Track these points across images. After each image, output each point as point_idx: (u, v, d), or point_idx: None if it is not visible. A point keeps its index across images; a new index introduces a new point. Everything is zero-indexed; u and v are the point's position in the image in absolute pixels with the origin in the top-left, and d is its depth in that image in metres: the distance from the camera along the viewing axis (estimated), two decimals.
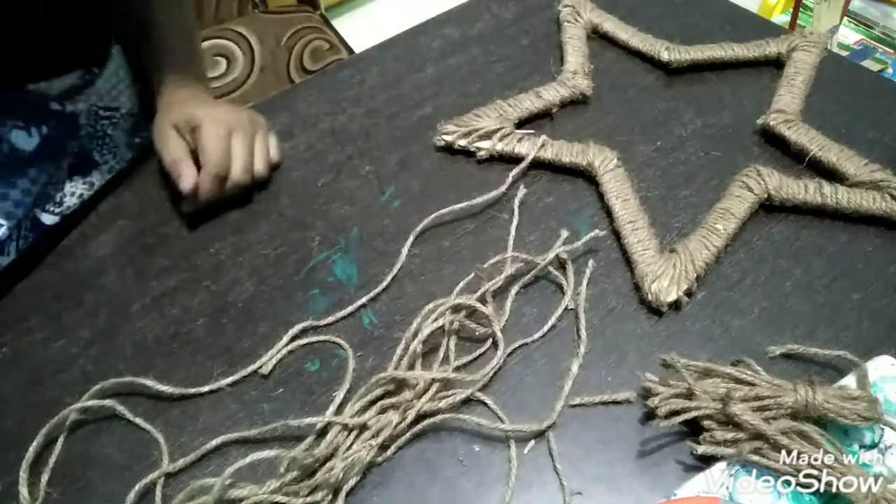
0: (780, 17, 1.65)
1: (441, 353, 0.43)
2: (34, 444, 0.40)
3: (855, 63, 0.66)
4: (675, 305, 0.45)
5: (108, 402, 0.41)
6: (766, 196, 0.50)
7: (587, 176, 0.54)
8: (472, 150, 0.56)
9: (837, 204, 0.49)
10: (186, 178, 0.51)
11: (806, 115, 0.58)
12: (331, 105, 0.62)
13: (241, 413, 0.42)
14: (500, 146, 0.55)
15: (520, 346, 0.44)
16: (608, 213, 0.51)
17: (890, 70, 1.54)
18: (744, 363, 0.40)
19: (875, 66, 1.53)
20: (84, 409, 0.41)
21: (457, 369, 0.42)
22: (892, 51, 1.59)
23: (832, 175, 0.52)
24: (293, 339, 0.45)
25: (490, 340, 0.44)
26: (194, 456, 0.39)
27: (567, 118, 0.60)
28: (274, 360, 0.43)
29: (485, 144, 0.56)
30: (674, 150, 0.56)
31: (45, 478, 0.39)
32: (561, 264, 0.48)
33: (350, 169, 0.56)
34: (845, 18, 1.61)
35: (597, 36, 0.68)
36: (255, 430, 0.40)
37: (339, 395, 0.41)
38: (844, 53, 1.55)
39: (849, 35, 1.64)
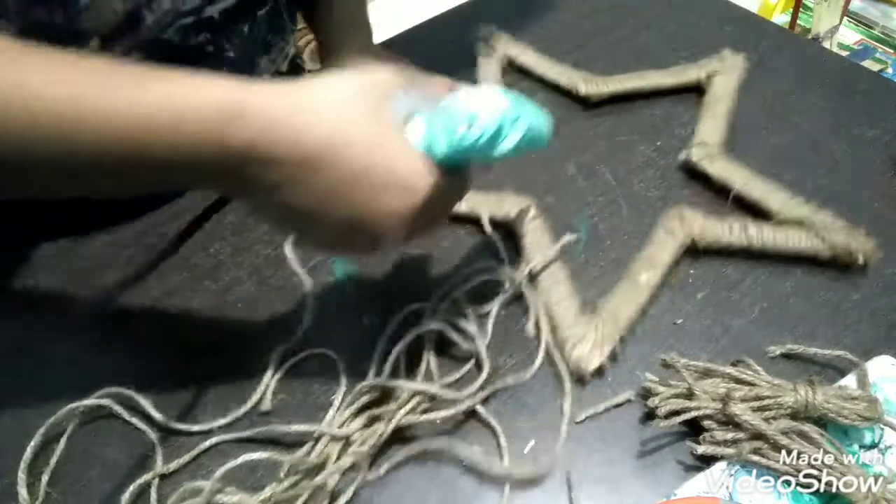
0: (781, 17, 1.64)
1: (423, 367, 0.41)
2: (32, 444, 0.40)
3: (855, 63, 0.66)
4: (599, 372, 0.42)
5: (104, 402, 0.41)
6: (689, 241, 0.47)
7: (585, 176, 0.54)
8: None
9: (763, 245, 0.47)
10: None
11: (806, 116, 0.58)
12: None
13: (240, 413, 0.42)
14: None
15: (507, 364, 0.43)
16: (530, 273, 0.46)
17: (890, 70, 1.54)
18: (744, 363, 0.40)
19: (875, 66, 1.53)
20: (84, 409, 0.41)
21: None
22: (892, 51, 1.59)
23: (758, 211, 0.49)
24: (281, 363, 0.44)
25: (473, 360, 0.42)
26: (189, 457, 0.39)
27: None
28: (270, 392, 0.42)
29: None
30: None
31: (45, 478, 0.39)
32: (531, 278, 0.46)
33: None
34: (845, 18, 1.61)
35: (513, 70, 0.64)
36: (248, 431, 0.40)
37: (337, 401, 0.41)
38: (844, 53, 1.55)
39: (849, 35, 1.63)
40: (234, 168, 0.30)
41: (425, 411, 0.39)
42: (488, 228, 0.49)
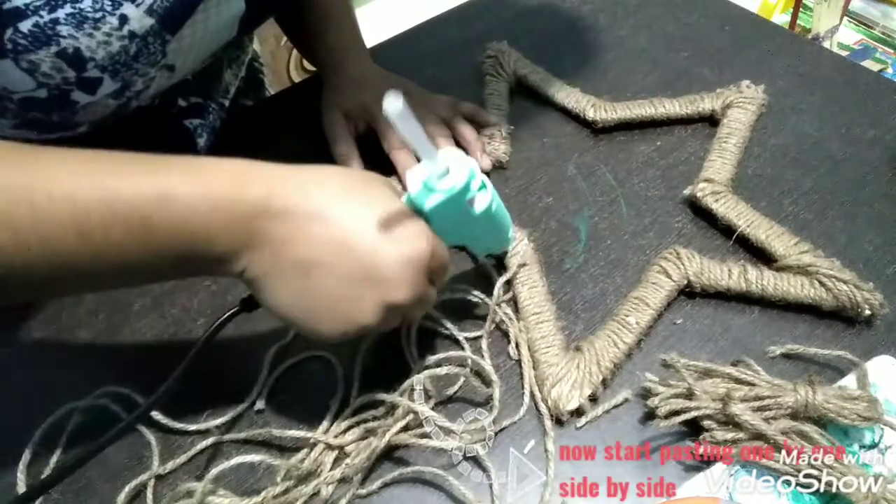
0: (781, 17, 1.65)
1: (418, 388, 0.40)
2: (31, 443, 0.40)
3: (855, 63, 0.66)
4: (578, 412, 0.41)
5: (103, 402, 0.41)
6: (685, 282, 0.45)
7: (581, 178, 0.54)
8: None
9: (763, 291, 0.44)
10: None
11: (806, 116, 0.58)
12: None
13: (237, 412, 0.42)
14: None
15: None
16: (515, 302, 0.46)
17: (890, 70, 1.54)
18: (744, 363, 0.40)
19: (875, 66, 1.53)
20: (82, 409, 0.41)
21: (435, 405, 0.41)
22: (892, 51, 1.59)
23: (761, 253, 0.47)
24: (279, 363, 0.44)
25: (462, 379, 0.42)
26: (185, 457, 0.39)
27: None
28: (266, 391, 0.42)
29: None
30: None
31: (45, 478, 0.39)
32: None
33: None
34: (845, 18, 1.61)
35: (521, 89, 0.63)
36: (245, 433, 0.40)
37: (334, 406, 0.41)
38: (844, 53, 1.55)
39: (849, 35, 1.64)
40: (248, 219, 0.32)
41: (423, 435, 0.39)
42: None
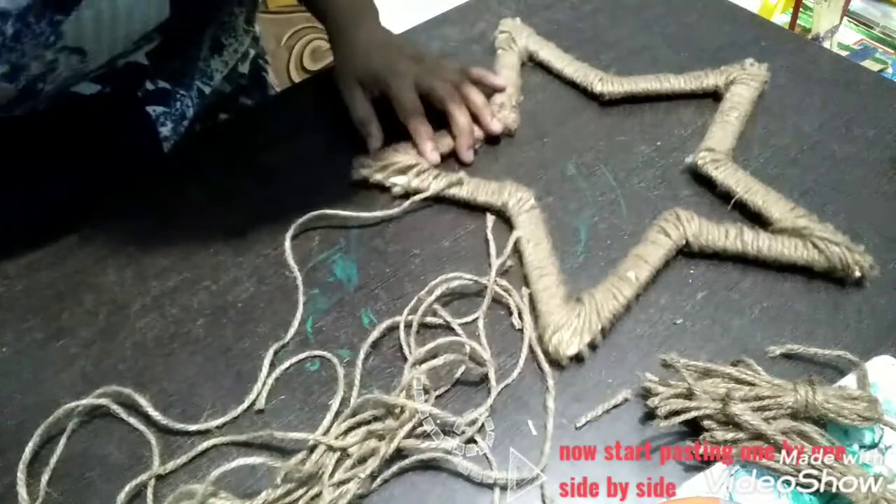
0: (781, 17, 1.65)
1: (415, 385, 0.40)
2: (31, 443, 0.40)
3: (855, 63, 0.66)
4: (578, 358, 0.43)
5: (102, 402, 0.41)
6: (684, 242, 0.47)
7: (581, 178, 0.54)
8: (387, 185, 0.54)
9: (758, 252, 0.46)
10: (375, 139, 0.55)
11: (806, 116, 0.58)
12: (331, 105, 0.62)
13: (238, 413, 0.42)
14: (415, 182, 0.53)
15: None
16: (519, 256, 0.48)
17: (890, 70, 1.54)
18: (744, 363, 0.40)
19: (875, 66, 1.53)
20: (82, 408, 0.41)
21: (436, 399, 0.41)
22: (892, 51, 1.59)
23: (758, 219, 0.50)
24: (280, 362, 0.44)
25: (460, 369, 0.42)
26: (185, 458, 0.39)
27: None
28: (266, 391, 0.42)
29: (400, 180, 0.53)
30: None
31: (44, 478, 0.39)
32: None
33: (350, 169, 0.56)
34: (845, 18, 1.61)
35: (532, 63, 0.65)
36: (244, 435, 0.40)
37: (334, 406, 0.41)
38: (844, 53, 1.55)
39: (849, 35, 1.64)
40: None
41: (423, 434, 0.39)
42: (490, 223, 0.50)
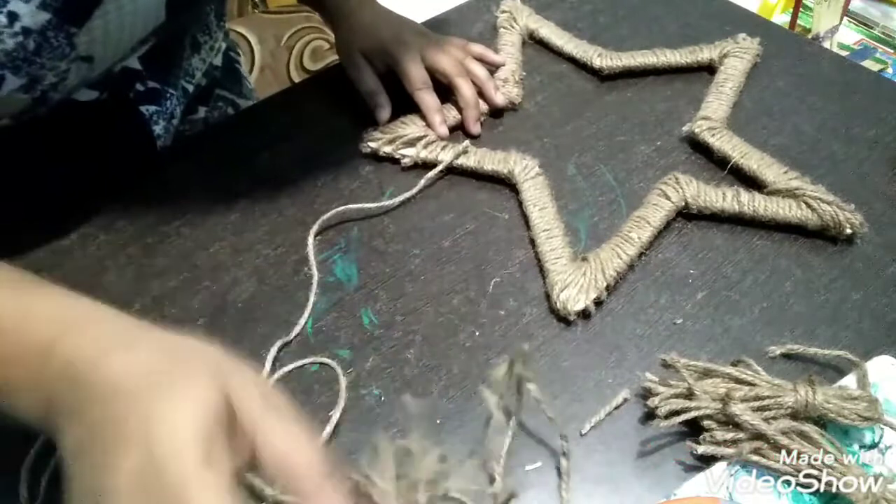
0: (781, 17, 1.64)
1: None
2: (36, 444, 0.39)
3: (855, 63, 0.66)
4: (584, 314, 0.45)
5: None
6: (683, 204, 0.50)
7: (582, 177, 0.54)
8: (396, 157, 0.55)
9: (754, 212, 0.49)
10: (384, 110, 0.57)
11: (806, 116, 0.58)
12: (331, 105, 0.62)
13: None
14: (424, 153, 0.55)
15: None
16: (526, 221, 0.51)
17: (890, 70, 1.54)
18: (744, 363, 0.40)
19: (875, 66, 1.53)
20: None
21: None
22: (892, 51, 1.59)
23: (753, 183, 0.52)
24: (276, 360, 0.44)
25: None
26: None
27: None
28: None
29: (409, 152, 0.55)
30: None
31: (45, 478, 0.39)
32: None
33: (350, 169, 0.56)
34: (845, 18, 1.61)
35: (533, 41, 0.68)
36: None
37: (335, 416, 0.40)
38: (844, 53, 1.55)
39: (849, 35, 1.63)
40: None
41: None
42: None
